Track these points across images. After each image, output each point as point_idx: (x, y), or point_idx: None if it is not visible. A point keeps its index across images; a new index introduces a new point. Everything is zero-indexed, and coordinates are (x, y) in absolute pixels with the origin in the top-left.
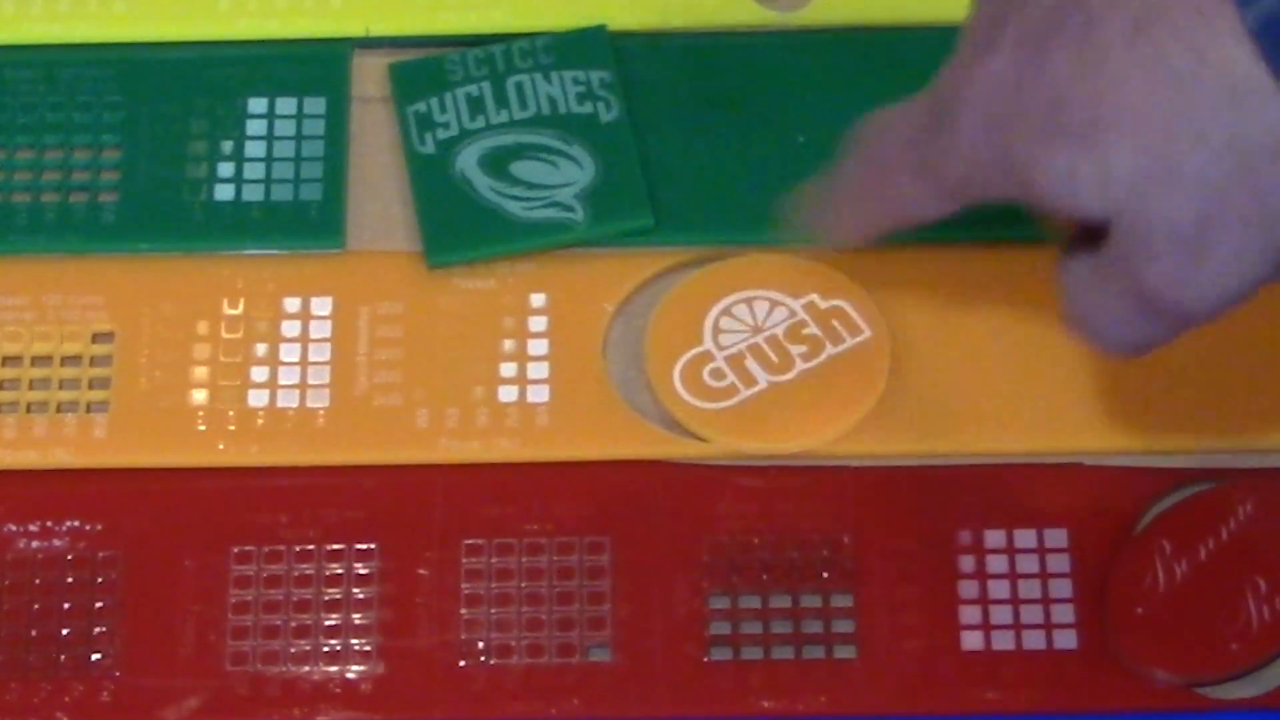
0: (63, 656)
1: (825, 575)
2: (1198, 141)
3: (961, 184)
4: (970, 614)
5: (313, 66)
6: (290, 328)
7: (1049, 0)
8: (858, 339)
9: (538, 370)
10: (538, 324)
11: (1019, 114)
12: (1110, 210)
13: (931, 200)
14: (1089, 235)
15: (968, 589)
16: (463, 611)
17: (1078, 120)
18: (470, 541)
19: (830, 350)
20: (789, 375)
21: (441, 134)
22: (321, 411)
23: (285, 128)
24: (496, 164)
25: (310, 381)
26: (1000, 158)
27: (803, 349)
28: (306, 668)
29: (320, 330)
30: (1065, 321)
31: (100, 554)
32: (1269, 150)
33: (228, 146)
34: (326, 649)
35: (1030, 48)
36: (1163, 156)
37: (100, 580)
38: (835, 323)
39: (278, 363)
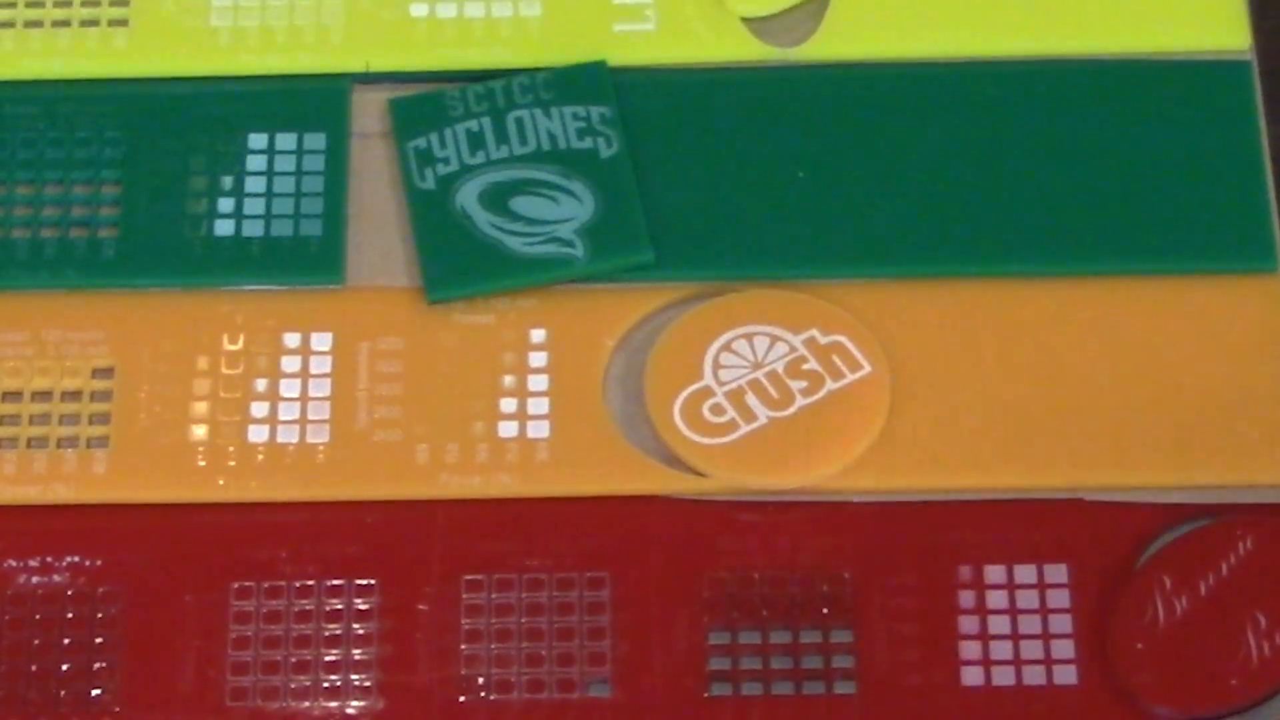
0: (63, 692)
1: (825, 611)
2: None
3: None
4: (970, 649)
5: (313, 102)
6: (290, 363)
7: None
8: (858, 374)
9: (538, 406)
10: (538, 359)
11: None
12: None
13: None
14: None
15: (968, 624)
16: (463, 647)
17: None
18: (470, 577)
19: (830, 385)
20: (789, 411)
21: (441, 169)
22: (321, 447)
23: (285, 163)
24: (496, 199)
25: (310, 417)
26: None
27: (803, 384)
28: (307, 703)
29: (320, 366)
30: None
31: (100, 589)
32: None
33: (228, 182)
34: (327, 685)
35: None
36: None
37: (100, 616)
38: (835, 358)
39: (278, 398)
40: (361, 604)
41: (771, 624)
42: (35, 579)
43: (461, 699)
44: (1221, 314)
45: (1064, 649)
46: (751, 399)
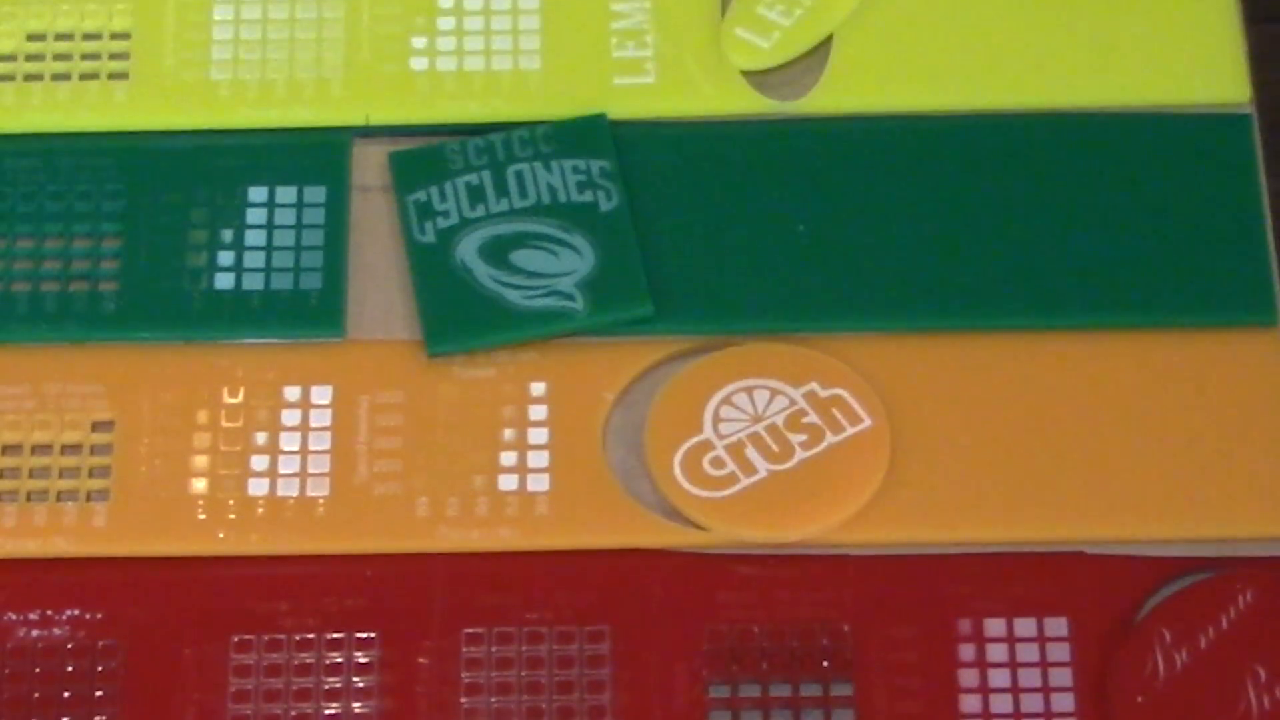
0: None
1: (825, 664)
2: None
3: None
4: (970, 703)
5: (313, 155)
6: (290, 416)
7: None
8: (858, 428)
9: (538, 459)
10: (538, 413)
11: None
12: None
13: None
14: None
15: (968, 677)
16: (463, 700)
17: None
18: (470, 630)
19: (830, 439)
20: (789, 464)
21: (442, 223)
22: (321, 500)
23: (285, 216)
24: (497, 253)
25: (310, 470)
26: None
27: (803, 438)
28: None
29: (320, 419)
30: None
31: (100, 643)
32: None
33: (228, 235)
34: None
35: None
36: None
37: (100, 669)
38: (835, 411)
39: (278, 451)
40: (362, 657)
41: (772, 677)
42: (35, 632)
43: None
44: (1221, 368)
45: (1064, 702)
46: (751, 452)
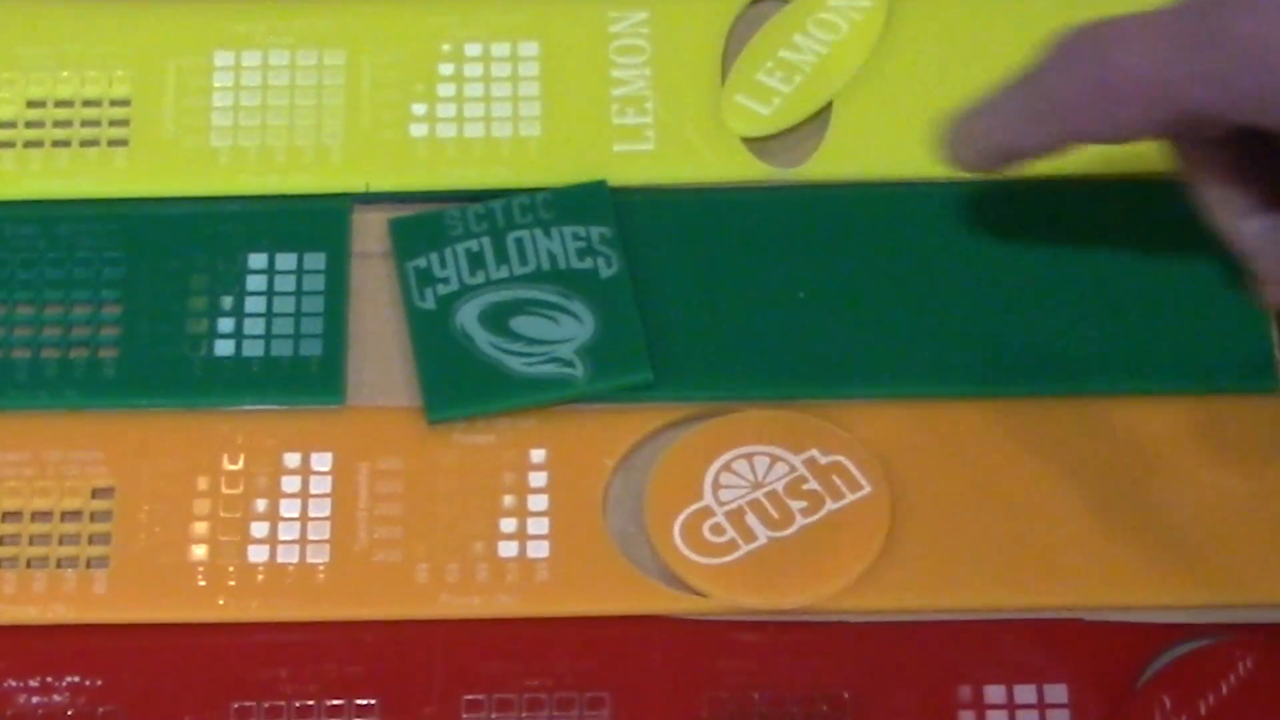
0: None
1: None
2: None
3: (1210, 114)
4: None
5: (313, 222)
6: (290, 483)
7: None
8: (858, 494)
9: (538, 525)
10: (538, 479)
11: None
12: None
13: (1158, 127)
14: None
15: None
16: None
17: None
18: (470, 697)
19: (830, 506)
20: (789, 531)
21: (442, 289)
22: (321, 567)
23: (285, 283)
24: (496, 319)
25: (310, 537)
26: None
27: (803, 504)
28: None
29: (320, 485)
30: (1255, 283)
31: (100, 710)
32: None
33: (228, 302)
34: None
35: None
36: None
37: None
38: (835, 478)
39: (278, 518)
40: None
41: None
42: (35, 699)
43: None
44: (1220, 434)
45: None
46: (751, 519)
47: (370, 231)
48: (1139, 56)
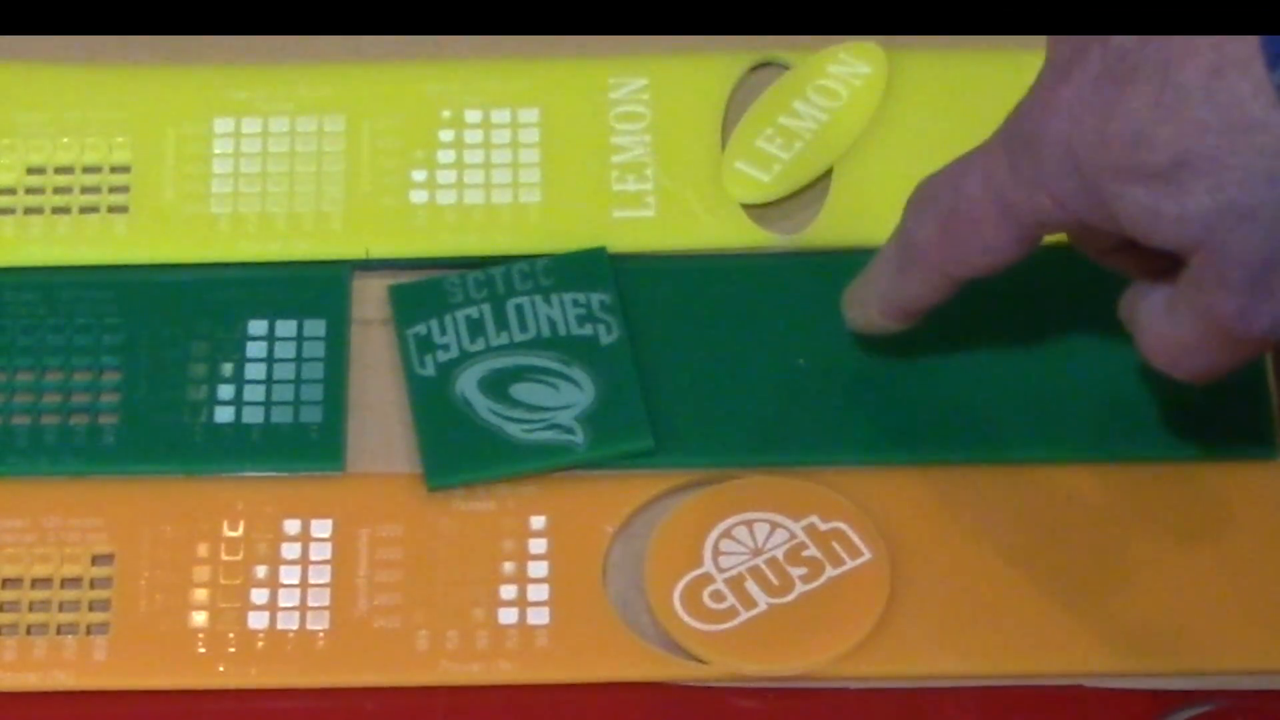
0: None
1: None
2: (1271, 184)
3: (1045, 218)
4: None
5: (313, 288)
6: (290, 550)
7: (1130, 41)
8: (858, 561)
9: (538, 592)
10: (538, 546)
11: (1102, 144)
12: (1187, 244)
13: (1012, 244)
14: (1164, 268)
15: None
16: None
17: (1159, 160)
18: None
19: (830, 572)
20: (789, 597)
21: (441, 356)
22: (321, 633)
23: (285, 350)
24: (496, 386)
25: (310, 603)
26: (1086, 187)
27: (803, 571)
28: None
29: (320, 552)
30: (1141, 350)
31: None
32: None
33: (228, 368)
34: None
35: (1111, 82)
36: (1238, 198)
37: None
38: (835, 545)
39: (278, 585)
40: None
41: None
42: None
43: None
44: (1220, 501)
45: None
46: (751, 586)
47: (370, 298)
48: (981, 178)
